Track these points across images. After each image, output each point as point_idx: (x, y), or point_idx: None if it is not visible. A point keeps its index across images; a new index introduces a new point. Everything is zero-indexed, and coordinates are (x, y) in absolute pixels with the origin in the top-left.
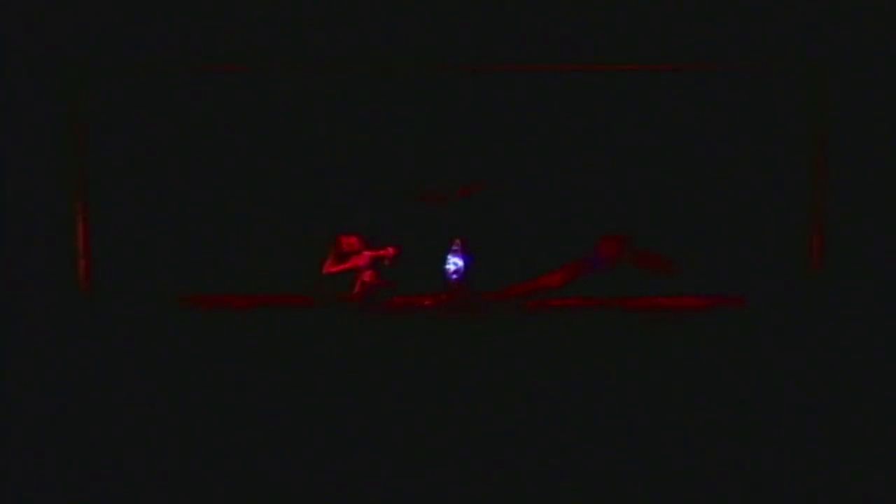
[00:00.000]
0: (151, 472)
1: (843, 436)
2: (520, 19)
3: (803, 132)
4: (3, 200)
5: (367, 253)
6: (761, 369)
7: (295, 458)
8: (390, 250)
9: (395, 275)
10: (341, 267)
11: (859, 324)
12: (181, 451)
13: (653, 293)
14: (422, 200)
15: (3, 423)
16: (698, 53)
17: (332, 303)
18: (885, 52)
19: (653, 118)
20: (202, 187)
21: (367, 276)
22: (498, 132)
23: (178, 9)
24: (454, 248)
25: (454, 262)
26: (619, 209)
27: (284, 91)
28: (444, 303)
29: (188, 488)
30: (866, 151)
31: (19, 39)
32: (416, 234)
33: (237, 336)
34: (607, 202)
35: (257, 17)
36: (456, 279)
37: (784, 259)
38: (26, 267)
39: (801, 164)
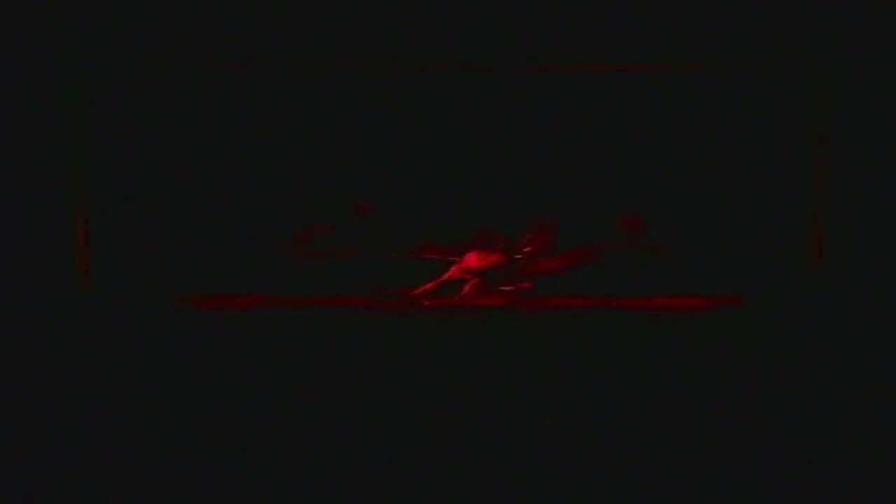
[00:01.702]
0: (150, 473)
1: (843, 436)
2: (518, 19)
3: (803, 132)
4: (2, 200)
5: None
6: (761, 369)
7: (294, 458)
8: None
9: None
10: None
11: (860, 324)
12: (181, 452)
13: (652, 293)
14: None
15: (1, 423)
16: (698, 53)
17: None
18: (887, 51)
19: (652, 118)
20: (202, 187)
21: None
22: (498, 132)
23: (178, 8)
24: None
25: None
26: (619, 209)
27: (285, 90)
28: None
29: (188, 488)
30: (867, 151)
31: (19, 38)
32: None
33: (237, 336)
34: (607, 202)
35: (258, 17)
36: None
37: (784, 259)
38: (25, 265)
39: (801, 164)
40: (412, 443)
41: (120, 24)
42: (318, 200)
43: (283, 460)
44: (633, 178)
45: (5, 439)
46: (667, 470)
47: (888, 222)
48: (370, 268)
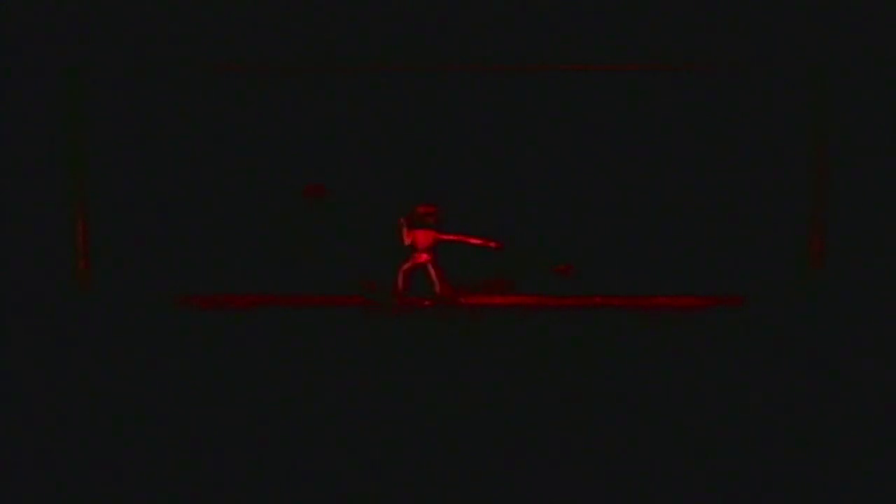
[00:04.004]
0: (150, 471)
1: (842, 435)
2: (519, 19)
3: (803, 132)
4: (3, 200)
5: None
6: (761, 369)
7: (294, 456)
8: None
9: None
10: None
11: (860, 324)
12: (181, 450)
13: (652, 293)
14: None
15: (2, 423)
16: (698, 53)
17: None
18: (886, 52)
19: (652, 118)
20: (202, 187)
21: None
22: (498, 131)
23: (177, 10)
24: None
25: None
26: (620, 209)
27: (283, 92)
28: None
29: (188, 487)
30: (866, 151)
31: (20, 39)
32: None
33: (237, 336)
34: (608, 202)
35: (257, 18)
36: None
37: (784, 259)
38: (25, 265)
39: (801, 164)
40: (411, 441)
41: (122, 27)
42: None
43: (283, 458)
44: (632, 178)
45: (6, 438)
46: (666, 469)
47: (888, 222)
48: (369, 266)
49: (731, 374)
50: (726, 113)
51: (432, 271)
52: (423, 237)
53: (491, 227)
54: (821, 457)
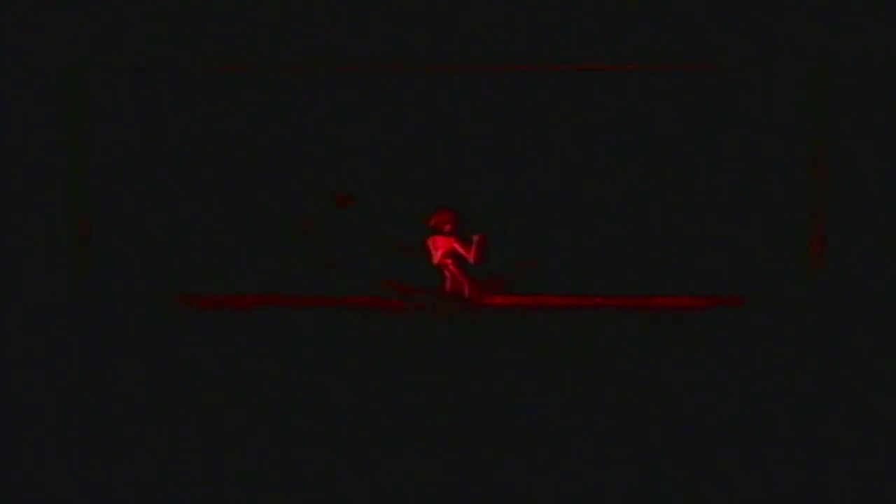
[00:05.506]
0: (150, 471)
1: (842, 435)
2: (519, 19)
3: (803, 132)
4: (3, 200)
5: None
6: (760, 369)
7: (294, 456)
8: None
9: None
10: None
11: (860, 324)
12: (181, 450)
13: (652, 293)
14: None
15: (1, 423)
16: (698, 53)
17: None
18: (886, 52)
19: (652, 118)
20: (202, 187)
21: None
22: (497, 131)
23: (177, 10)
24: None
25: None
26: (620, 209)
27: (282, 93)
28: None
29: (187, 487)
30: (867, 151)
31: (20, 39)
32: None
33: (237, 336)
34: (607, 202)
35: (256, 18)
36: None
37: (784, 259)
38: (24, 266)
39: (801, 164)
40: (411, 441)
41: (122, 27)
42: (316, 199)
43: (283, 459)
44: (631, 178)
45: (6, 438)
46: (667, 469)
47: (888, 222)
48: (367, 267)
49: (731, 374)
50: (726, 113)
51: (456, 272)
52: (442, 244)
53: (489, 227)
54: (821, 457)
